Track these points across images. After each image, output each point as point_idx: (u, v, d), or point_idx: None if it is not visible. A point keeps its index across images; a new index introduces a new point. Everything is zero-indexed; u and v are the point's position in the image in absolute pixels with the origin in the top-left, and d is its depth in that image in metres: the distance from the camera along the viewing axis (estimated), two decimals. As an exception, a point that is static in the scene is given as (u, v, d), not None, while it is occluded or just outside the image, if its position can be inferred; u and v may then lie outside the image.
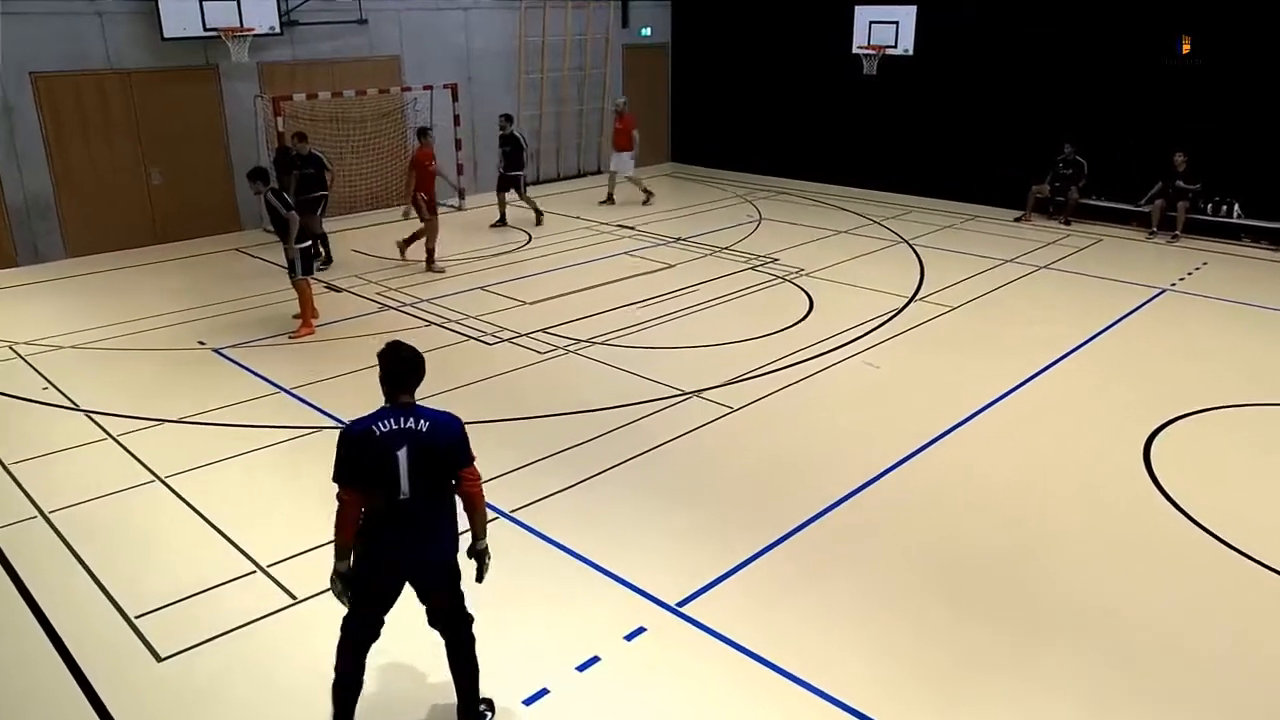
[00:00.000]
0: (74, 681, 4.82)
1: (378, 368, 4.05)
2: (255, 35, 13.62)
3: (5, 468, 7.09)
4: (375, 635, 4.22)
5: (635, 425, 7.85)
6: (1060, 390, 8.65)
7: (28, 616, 5.35)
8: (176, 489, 6.77)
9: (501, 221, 14.95)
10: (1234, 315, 10.76)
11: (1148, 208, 14.29)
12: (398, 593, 4.19)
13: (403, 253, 12.71)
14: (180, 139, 13.84)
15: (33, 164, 12.62)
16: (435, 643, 4.35)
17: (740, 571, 5.82)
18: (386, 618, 4.21)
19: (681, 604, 5.48)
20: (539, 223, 15.03)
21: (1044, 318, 10.66)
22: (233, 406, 8.23)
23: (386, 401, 4.05)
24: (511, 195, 14.86)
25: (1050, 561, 5.99)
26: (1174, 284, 11.91)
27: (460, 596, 4.31)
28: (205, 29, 13.18)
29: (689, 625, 5.30)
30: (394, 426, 3.93)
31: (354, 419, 4.05)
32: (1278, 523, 6.39)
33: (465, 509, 4.17)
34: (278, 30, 13.97)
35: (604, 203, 16.80)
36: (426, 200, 12.27)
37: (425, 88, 15.91)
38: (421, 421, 3.97)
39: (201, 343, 9.82)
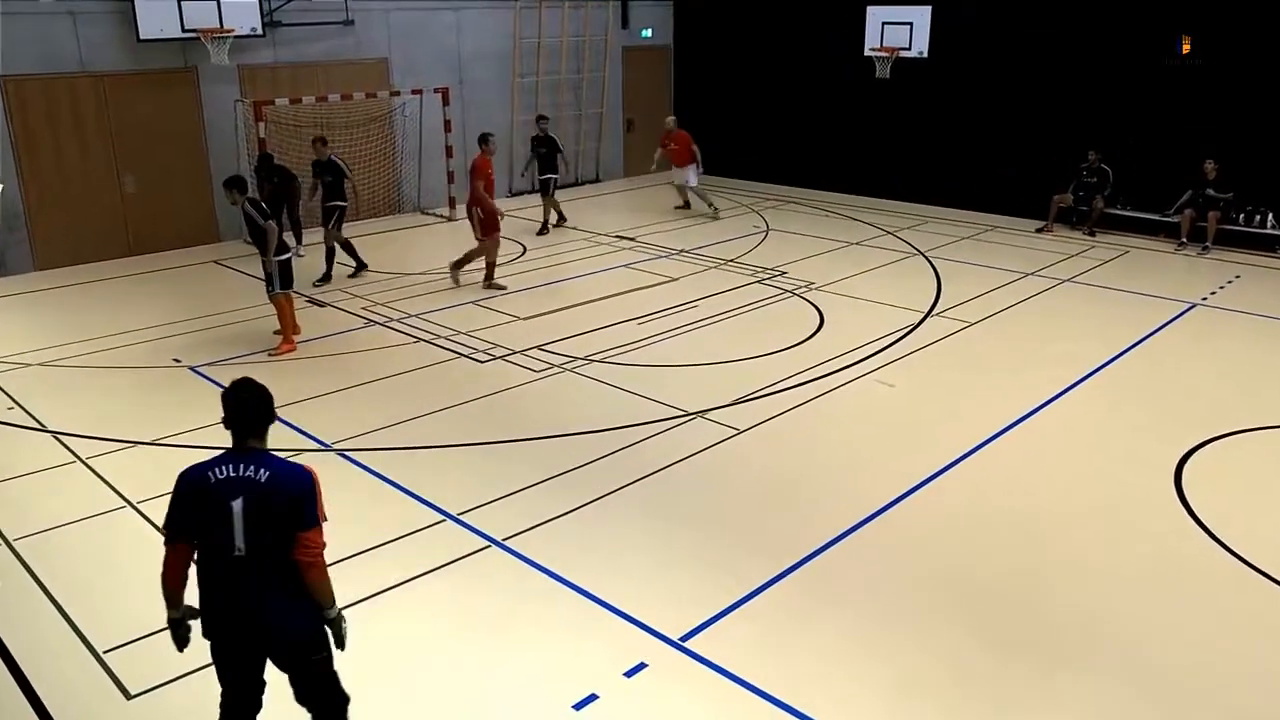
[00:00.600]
0: (37, 721, 4.80)
1: (221, 409, 3.85)
2: (236, 36, 13.65)
3: (-33, 493, 7.08)
4: (248, 713, 3.96)
5: (635, 448, 7.83)
6: (1085, 410, 8.63)
7: (-9, 656, 5.33)
8: (149, 515, 6.72)
9: (546, 228, 15.37)
10: (1270, 331, 10.75)
11: (1176, 218, 14.30)
12: (257, 662, 3.90)
13: (455, 275, 12.44)
14: (156, 145, 13.89)
15: (0, 171, 12.65)
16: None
17: (748, 603, 5.78)
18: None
19: (685, 638, 5.44)
20: (545, 231, 15.16)
21: (1067, 334, 10.65)
22: (209, 428, 8.15)
23: (233, 446, 3.78)
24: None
25: (1076, 591, 5.96)
26: (1205, 298, 11.92)
27: (321, 672, 3.92)
28: (183, 30, 13.22)
29: (693, 661, 5.26)
30: (231, 474, 3.65)
31: (193, 464, 3.81)
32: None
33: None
34: (259, 31, 14.01)
35: (679, 207, 17.25)
36: (484, 215, 11.92)
37: (415, 92, 15.95)
38: (262, 470, 3.65)
39: (177, 360, 9.80)
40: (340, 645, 3.91)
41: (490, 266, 12.34)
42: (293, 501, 3.64)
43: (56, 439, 7.98)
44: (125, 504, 6.91)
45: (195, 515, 3.70)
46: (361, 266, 12.87)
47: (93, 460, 7.59)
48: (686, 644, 5.40)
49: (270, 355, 9.89)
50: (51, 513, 6.74)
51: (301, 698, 3.98)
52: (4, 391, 8.96)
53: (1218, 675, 5.25)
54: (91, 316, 11.25)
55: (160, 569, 3.78)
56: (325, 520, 3.75)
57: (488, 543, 6.41)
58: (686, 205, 17.10)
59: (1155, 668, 5.30)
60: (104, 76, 13.25)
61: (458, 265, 12.37)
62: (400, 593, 5.86)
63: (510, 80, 17.88)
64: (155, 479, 7.20)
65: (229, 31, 13.52)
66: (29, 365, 9.65)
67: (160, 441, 7.93)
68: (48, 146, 13.03)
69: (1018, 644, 5.49)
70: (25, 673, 5.14)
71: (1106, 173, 14.84)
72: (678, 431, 8.16)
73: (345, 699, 4.03)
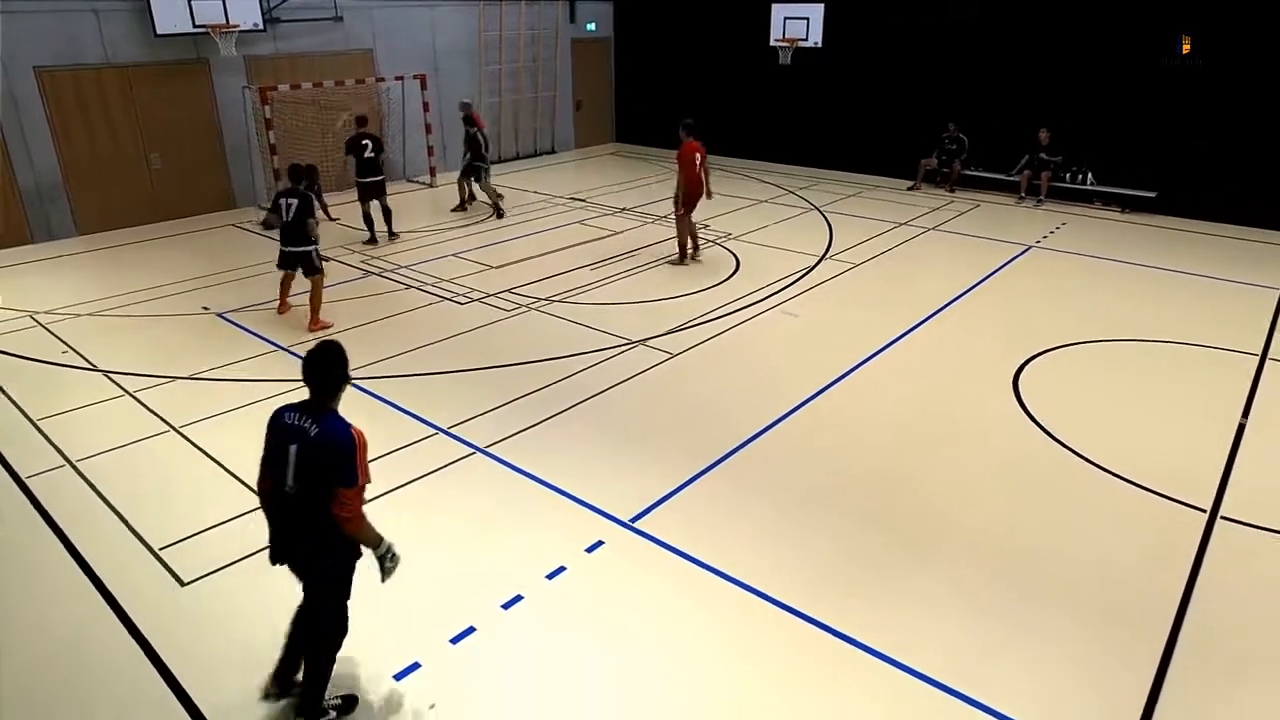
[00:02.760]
0: (107, 606, 4.77)
1: None
2: (241, 31, 13.05)
3: (34, 423, 6.88)
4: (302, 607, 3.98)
5: (590, 370, 7.86)
6: (945, 332, 8.83)
7: (62, 552, 5.25)
8: (190, 437, 6.64)
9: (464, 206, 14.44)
10: (1087, 267, 11.05)
11: (1017, 177, 14.54)
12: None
13: (687, 256, 11.13)
14: (176, 126, 13.26)
15: (41, 151, 12.01)
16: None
17: (682, 491, 5.91)
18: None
19: (634, 519, 5.57)
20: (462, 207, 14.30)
21: (931, 272, 10.84)
22: (237, 364, 8.05)
23: (308, 398, 3.70)
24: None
25: (935, 475, 6.17)
26: (1039, 241, 12.19)
27: (326, 601, 3.84)
28: (194, 25, 12.59)
29: (641, 538, 5.39)
30: (295, 422, 3.59)
31: (281, 405, 3.76)
32: (1126, 438, 6.63)
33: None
34: (261, 27, 13.39)
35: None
36: (687, 199, 10.69)
37: (397, 78, 15.41)
38: (314, 426, 3.54)
39: (206, 308, 9.55)
40: (382, 578, 3.78)
41: (682, 244, 11.07)
42: (333, 459, 3.49)
43: (107, 377, 7.77)
44: (169, 428, 6.79)
45: (269, 449, 3.68)
46: (372, 240, 12.15)
47: (139, 393, 7.42)
48: (635, 524, 5.52)
49: (310, 329, 8.83)
50: (106, 438, 6.61)
51: (304, 619, 3.96)
52: (58, 337, 8.67)
53: (1056, 545, 5.48)
54: (129, 273, 10.86)
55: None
56: (368, 481, 3.57)
57: (473, 450, 6.44)
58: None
59: (1003, 541, 5.52)
60: (127, 68, 12.55)
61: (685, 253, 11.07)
62: (405, 491, 5.89)
63: (478, 68, 17.36)
64: (193, 407, 7.14)
65: (234, 27, 12.91)
66: (79, 316, 9.32)
67: (196, 376, 7.76)
68: (80, 129, 12.36)
69: (888, 521, 5.66)
70: (95, 570, 5.10)
71: (963, 141, 14.99)
72: (624, 357, 8.19)
73: (328, 633, 3.87)
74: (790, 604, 4.77)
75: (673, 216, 11.26)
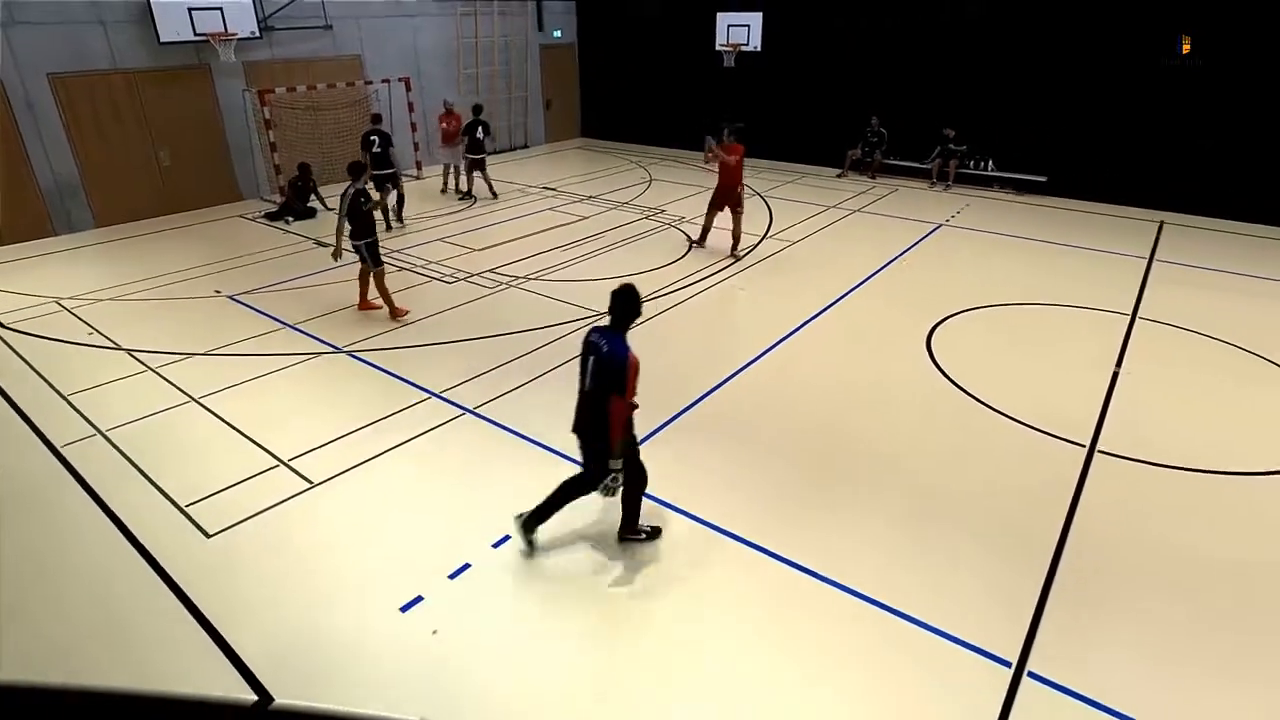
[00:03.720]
0: (140, 557, 4.70)
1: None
2: (239, 39, 12.54)
3: (64, 398, 6.68)
4: (583, 487, 4.51)
5: (564, 339, 7.81)
6: (869, 300, 8.93)
7: (97, 512, 5.15)
8: (209, 406, 6.50)
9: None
10: (988, 242, 11.22)
11: (929, 165, 14.66)
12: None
13: (735, 253, 10.43)
14: (182, 126, 12.74)
15: (58, 151, 11.49)
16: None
17: (646, 442, 5.91)
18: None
19: (605, 468, 5.58)
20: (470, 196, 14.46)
21: (858, 249, 10.91)
22: (248, 340, 7.87)
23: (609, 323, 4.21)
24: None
25: (862, 422, 6.27)
26: (947, 220, 12.33)
27: (600, 474, 4.33)
28: (195, 34, 12.06)
29: (611, 483, 5.41)
30: (595, 340, 4.19)
31: (593, 326, 4.41)
32: (1020, 386, 6.80)
33: None
34: (258, 35, 12.87)
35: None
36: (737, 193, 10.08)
37: (384, 81, 14.97)
38: (604, 345, 4.12)
39: (218, 291, 9.29)
40: (602, 494, 4.34)
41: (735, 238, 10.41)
42: (613, 372, 4.05)
43: (130, 355, 7.55)
44: (190, 399, 6.64)
45: (581, 357, 4.29)
46: (388, 227, 11.78)
47: (160, 369, 7.23)
48: (606, 471, 5.54)
49: (394, 319, 8.32)
50: (133, 409, 6.45)
51: (576, 481, 4.56)
52: (82, 320, 8.39)
53: (964, 479, 5.63)
54: (145, 261, 10.50)
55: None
56: (633, 399, 4.10)
57: (463, 411, 6.40)
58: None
59: (921, 476, 5.66)
60: (134, 73, 12.00)
61: (735, 245, 10.45)
62: (407, 446, 5.85)
63: (456, 71, 16.90)
64: (211, 380, 6.98)
65: (233, 35, 12.39)
66: (101, 300, 9.01)
67: (211, 353, 7.58)
68: (94, 130, 11.83)
69: (820, 461, 5.77)
70: (126, 524, 5.01)
71: (883, 134, 15.02)
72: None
73: (642, 483, 4.60)
74: (744, 536, 4.86)
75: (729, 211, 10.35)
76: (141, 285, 9.49)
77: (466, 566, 4.62)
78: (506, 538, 4.85)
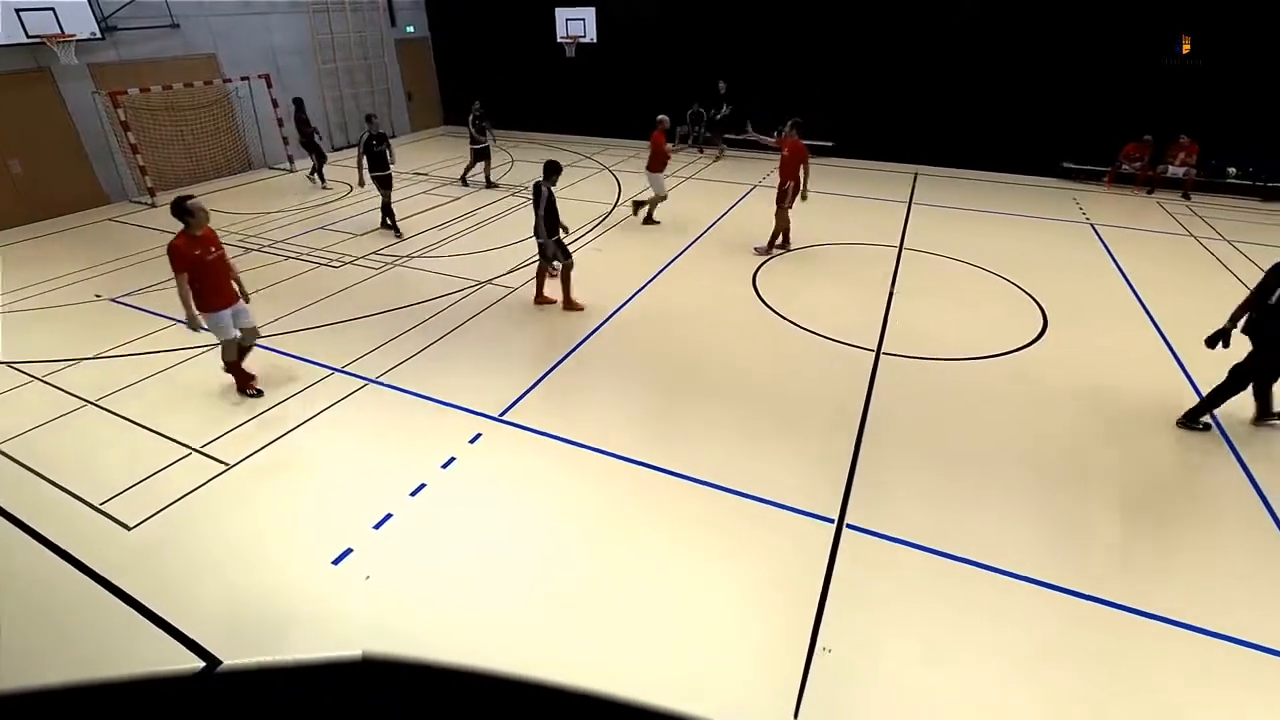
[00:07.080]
0: (65, 562, 4.19)
1: None
2: (78, 40, 10.59)
3: (-55, 416, 5.67)
4: None
5: (452, 308, 7.56)
6: (705, 249, 9.18)
7: (9, 528, 4.49)
8: (109, 407, 5.76)
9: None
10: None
11: (743, 137, 15.01)
12: None
13: (770, 247, 8.99)
14: (33, 133, 10.73)
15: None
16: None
17: (535, 388, 5.94)
18: None
19: (502, 414, 5.56)
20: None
21: (693, 208, 11.14)
22: (140, 339, 6.98)
23: None
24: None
25: (711, 346, 6.55)
26: (761, 181, 12.85)
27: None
28: (28, 36, 10.07)
29: (511, 426, 5.40)
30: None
31: None
32: (820, 307, 7.31)
33: None
34: (99, 36, 10.92)
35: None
36: (792, 192, 8.61)
37: (243, 79, 13.24)
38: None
39: (98, 295, 8.10)
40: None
41: (777, 235, 9.06)
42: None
43: (11, 367, 6.49)
44: (85, 403, 5.85)
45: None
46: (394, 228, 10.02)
47: (48, 377, 6.29)
48: (504, 417, 5.52)
49: (565, 309, 7.45)
50: (26, 420, 5.61)
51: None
52: (-49, 337, 7.08)
53: (784, 387, 6.06)
54: (13, 272, 8.92)
55: None
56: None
57: (365, 381, 6.09)
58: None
59: (754, 386, 6.05)
60: (-38, 78, 9.92)
61: (778, 243, 9.11)
62: (316, 420, 5.50)
63: (315, 67, 15.23)
64: (106, 382, 6.18)
65: (70, 36, 10.44)
66: (-33, 314, 7.62)
67: (102, 355, 6.67)
68: (-75, 139, 9.74)
69: (683, 381, 6.00)
70: (43, 534, 4.42)
71: (702, 113, 15.20)
72: (476, 295, 7.92)
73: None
74: (629, 455, 5.03)
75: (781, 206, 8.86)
76: (13, 297, 8.09)
77: (389, 517, 4.49)
78: (422, 486, 4.75)
